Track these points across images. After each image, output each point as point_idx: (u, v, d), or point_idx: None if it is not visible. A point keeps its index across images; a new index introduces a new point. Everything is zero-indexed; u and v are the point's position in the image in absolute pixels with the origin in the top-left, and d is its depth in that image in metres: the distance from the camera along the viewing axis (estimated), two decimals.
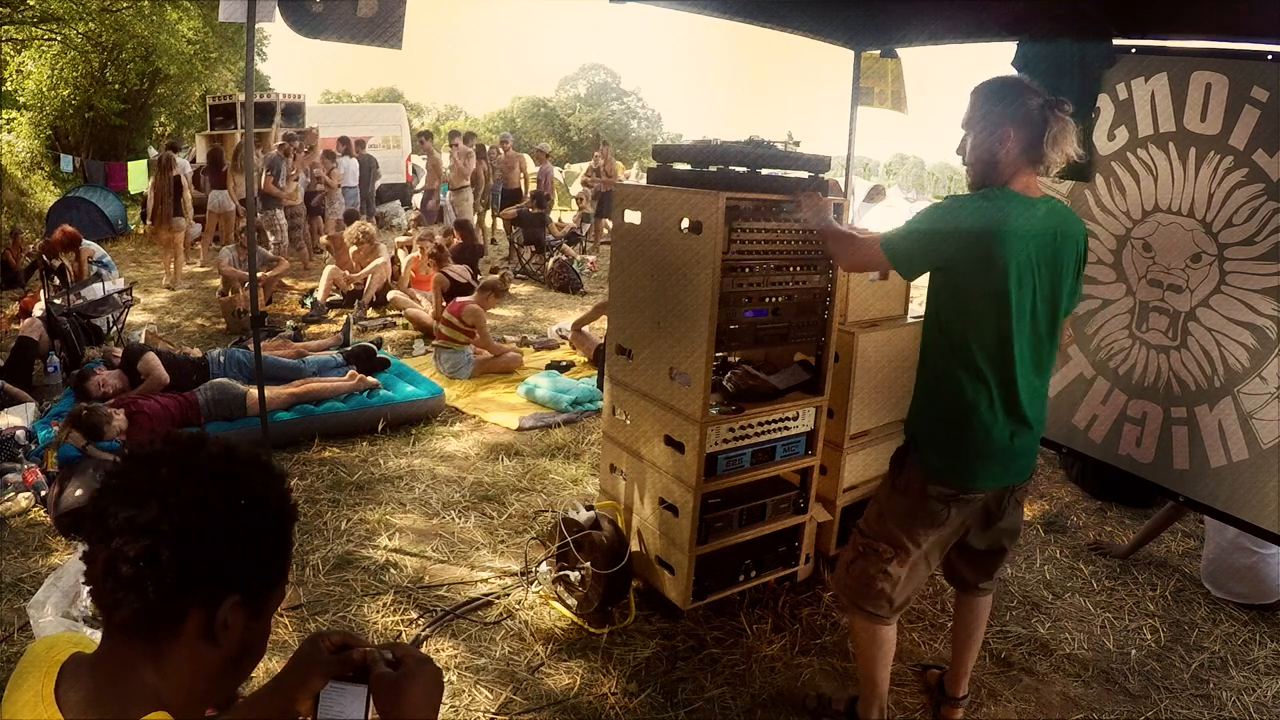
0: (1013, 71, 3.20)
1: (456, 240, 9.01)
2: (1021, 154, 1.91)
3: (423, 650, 2.58)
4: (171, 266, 8.93)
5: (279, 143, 10.28)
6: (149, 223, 9.66)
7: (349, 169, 12.11)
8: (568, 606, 2.83)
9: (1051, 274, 1.94)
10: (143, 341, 5.35)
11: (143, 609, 0.85)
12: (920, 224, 1.98)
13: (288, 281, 8.47)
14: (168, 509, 0.86)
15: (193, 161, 10.87)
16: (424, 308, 7.14)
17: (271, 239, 9.01)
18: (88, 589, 0.89)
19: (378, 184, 13.37)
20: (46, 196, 13.33)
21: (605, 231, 13.04)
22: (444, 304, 6.38)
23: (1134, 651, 2.80)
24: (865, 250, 2.19)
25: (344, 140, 12.61)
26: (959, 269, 1.92)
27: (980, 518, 2.14)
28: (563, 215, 14.73)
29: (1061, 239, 1.94)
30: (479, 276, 7.68)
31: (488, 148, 12.74)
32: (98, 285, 6.40)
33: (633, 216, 2.71)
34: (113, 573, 0.85)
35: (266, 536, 0.94)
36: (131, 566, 0.84)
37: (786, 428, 2.75)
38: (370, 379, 4.87)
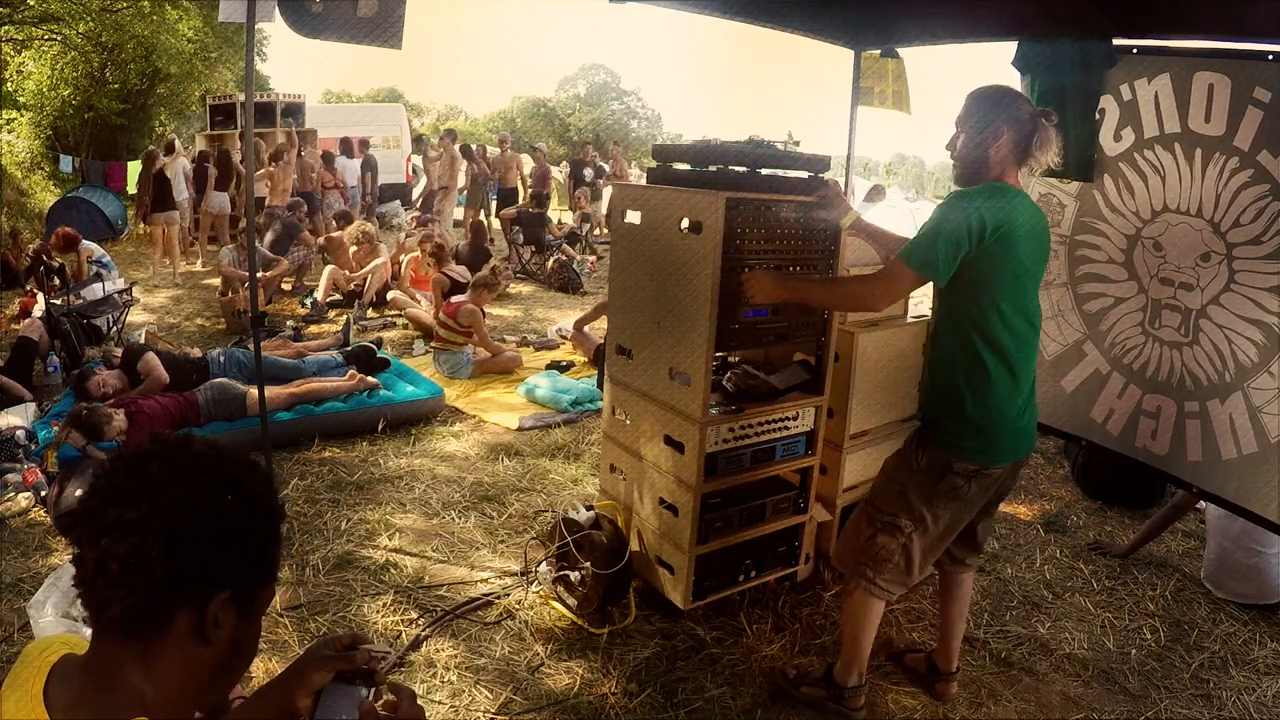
0: (1014, 71, 3.20)
1: (467, 241, 8.99)
2: (1011, 153, 2.08)
3: (422, 650, 2.59)
4: (167, 261, 8.93)
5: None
6: (142, 222, 9.70)
7: (349, 169, 12.10)
8: (568, 606, 2.83)
9: (1041, 258, 2.13)
10: (143, 341, 5.35)
11: (132, 608, 0.85)
12: (941, 225, 2.01)
13: (285, 286, 8.46)
14: (157, 507, 0.86)
15: (193, 160, 10.91)
16: (424, 308, 7.13)
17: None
18: (77, 590, 0.88)
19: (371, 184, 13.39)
20: (46, 196, 13.32)
21: (600, 231, 13.04)
22: (443, 304, 6.38)
23: (1134, 651, 2.80)
24: (886, 278, 2.13)
25: (345, 141, 12.62)
26: (981, 257, 2.01)
27: (995, 492, 2.26)
28: (562, 215, 14.72)
29: (1044, 228, 2.13)
30: None
31: (474, 147, 12.72)
32: (98, 285, 6.39)
33: (633, 216, 2.71)
34: (102, 571, 0.84)
35: (255, 533, 0.94)
36: (120, 564, 0.84)
37: (786, 428, 2.74)
38: (370, 379, 4.87)
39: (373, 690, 1.03)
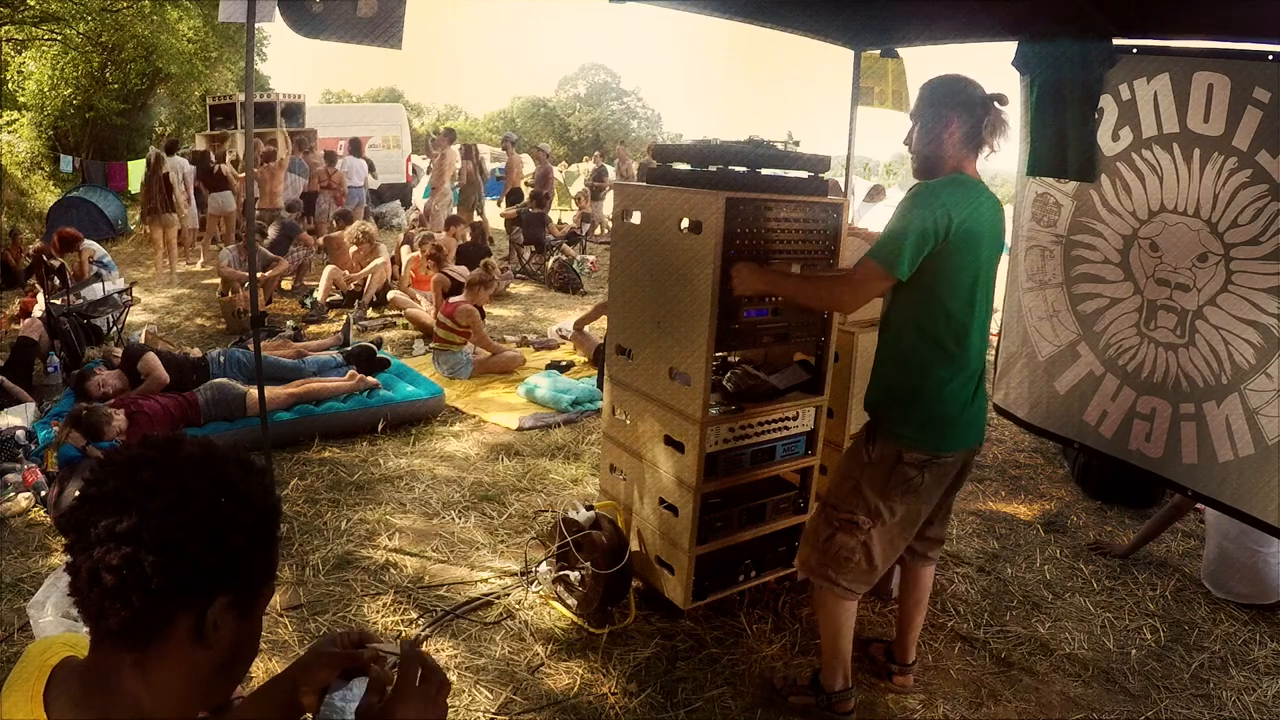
0: (1014, 71, 3.20)
1: (467, 240, 8.98)
2: (964, 143, 2.09)
3: (422, 650, 2.59)
4: (166, 262, 8.94)
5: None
6: (143, 222, 9.71)
7: (354, 168, 12.08)
8: (568, 606, 2.83)
9: (998, 250, 2.15)
10: (143, 341, 5.35)
11: (129, 618, 0.83)
12: (908, 222, 2.01)
13: (285, 285, 8.46)
14: (147, 514, 0.83)
15: (192, 160, 10.91)
16: (424, 308, 7.13)
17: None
18: (73, 599, 0.86)
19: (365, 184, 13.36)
20: (46, 196, 13.33)
21: (599, 231, 13.05)
22: (443, 304, 6.37)
23: (1134, 651, 2.80)
24: (858, 279, 2.10)
25: (354, 140, 12.59)
26: (941, 253, 2.02)
27: (952, 482, 2.27)
28: (563, 215, 14.72)
29: (1000, 221, 2.15)
30: None
31: (474, 148, 12.70)
32: (98, 285, 6.39)
33: (633, 216, 2.71)
34: (96, 583, 0.82)
35: (250, 534, 0.91)
36: (114, 575, 0.82)
37: (786, 427, 2.74)
38: (370, 379, 4.87)
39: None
